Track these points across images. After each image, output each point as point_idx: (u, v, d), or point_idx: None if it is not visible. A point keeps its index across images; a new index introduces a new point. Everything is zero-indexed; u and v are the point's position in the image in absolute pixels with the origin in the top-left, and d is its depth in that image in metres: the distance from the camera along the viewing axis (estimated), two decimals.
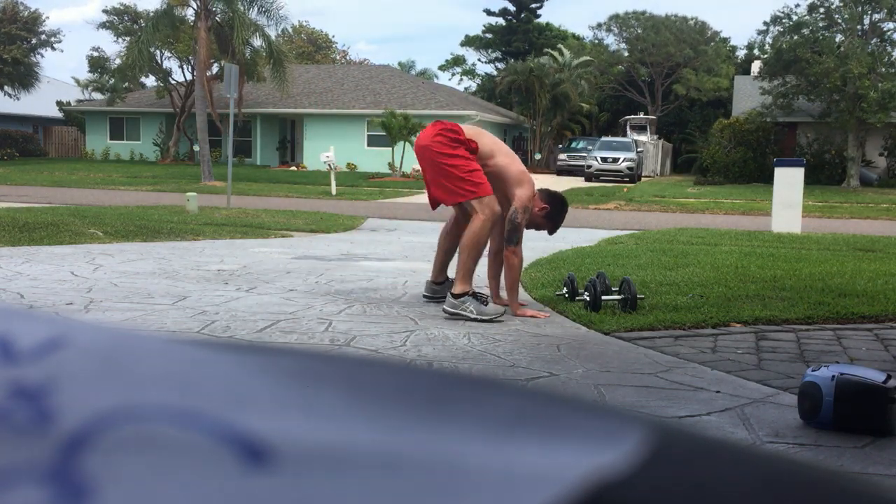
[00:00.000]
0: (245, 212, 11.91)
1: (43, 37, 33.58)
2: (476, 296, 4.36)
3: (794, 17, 25.72)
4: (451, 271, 4.72)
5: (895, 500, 0.33)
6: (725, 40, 44.68)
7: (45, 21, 33.62)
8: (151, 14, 23.12)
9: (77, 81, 39.66)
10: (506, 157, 4.59)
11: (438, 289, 4.78)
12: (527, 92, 34.13)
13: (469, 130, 4.55)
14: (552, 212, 4.72)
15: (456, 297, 4.34)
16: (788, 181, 10.72)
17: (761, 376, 3.25)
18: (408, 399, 0.35)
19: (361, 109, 31.09)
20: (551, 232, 4.87)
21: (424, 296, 4.85)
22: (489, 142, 4.60)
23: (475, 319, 4.25)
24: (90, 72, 36.48)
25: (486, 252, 4.70)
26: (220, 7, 23.61)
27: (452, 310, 4.33)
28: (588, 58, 36.96)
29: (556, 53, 36.26)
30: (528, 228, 4.76)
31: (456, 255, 4.62)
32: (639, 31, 42.28)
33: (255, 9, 23.65)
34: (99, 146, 34.43)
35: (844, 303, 4.70)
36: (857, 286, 5.29)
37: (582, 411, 0.36)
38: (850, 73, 22.94)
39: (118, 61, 32.53)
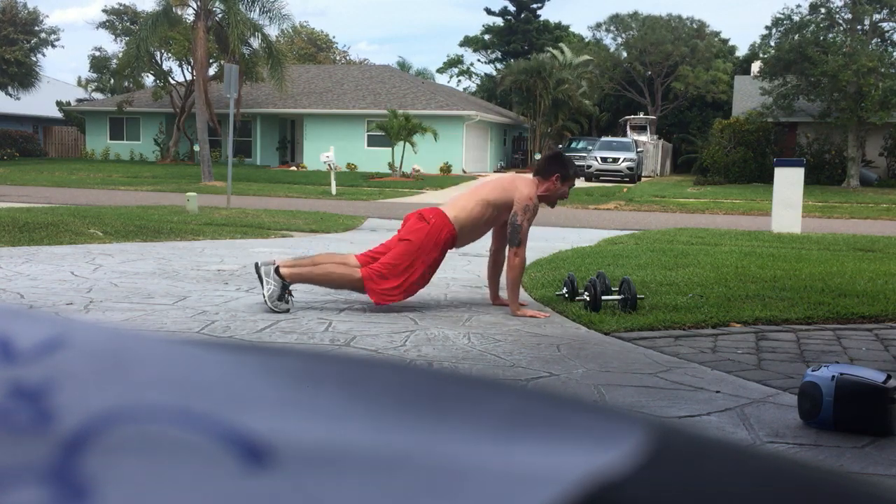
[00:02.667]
0: (245, 212, 11.91)
1: (42, 35, 33.57)
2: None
3: (795, 18, 25.72)
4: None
5: (895, 501, 0.33)
6: (717, 33, 44.68)
7: (43, 20, 33.64)
8: (150, 13, 23.06)
9: (78, 80, 39.68)
10: (493, 190, 4.64)
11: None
12: (528, 92, 34.12)
13: (454, 207, 4.62)
14: (561, 172, 4.70)
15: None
16: (788, 181, 10.72)
17: (761, 376, 3.25)
18: (408, 399, 0.35)
19: (361, 109, 31.09)
20: (572, 184, 4.82)
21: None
22: (472, 199, 4.63)
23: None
24: (91, 71, 36.52)
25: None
26: (219, 7, 23.60)
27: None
28: (588, 57, 36.95)
29: (556, 52, 36.22)
30: (554, 204, 4.81)
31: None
32: (636, 31, 42.31)
33: (257, 9, 23.63)
34: (99, 146, 34.43)
35: (844, 303, 4.70)
36: (857, 286, 5.29)
37: (582, 411, 0.36)
38: (863, 68, 22.91)
39: (116, 62, 32.60)
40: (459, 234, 4.57)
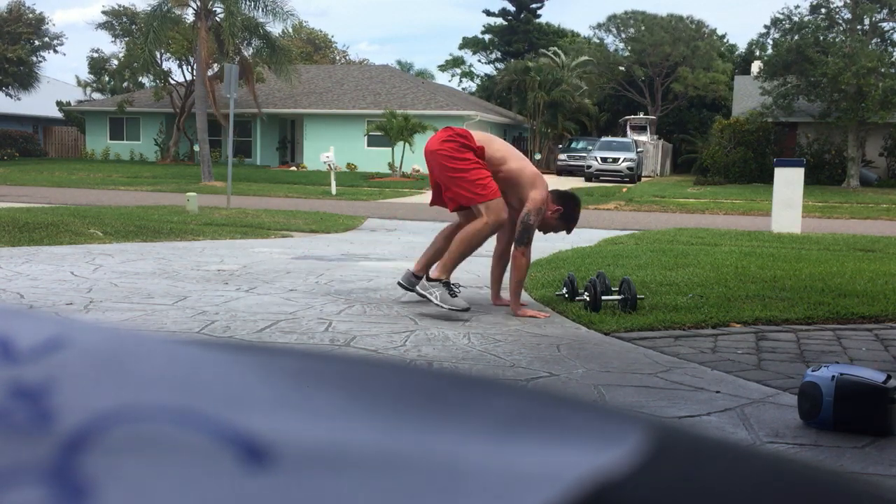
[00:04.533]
0: (245, 212, 11.91)
1: (46, 39, 33.60)
2: (448, 285, 4.39)
3: (795, 19, 25.72)
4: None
5: (895, 501, 0.33)
6: (721, 36, 44.71)
7: (48, 24, 33.67)
8: (152, 13, 23.00)
9: (78, 81, 39.68)
10: (518, 161, 4.61)
11: (416, 282, 4.79)
12: (525, 92, 34.13)
13: (479, 136, 4.57)
14: (566, 212, 4.71)
15: (430, 280, 4.43)
16: (788, 181, 10.72)
17: (761, 376, 3.25)
18: (408, 399, 0.35)
19: (361, 109, 31.09)
20: (568, 231, 4.85)
21: (399, 283, 4.85)
22: (500, 147, 4.62)
23: (437, 305, 4.33)
24: (90, 73, 36.52)
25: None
26: (220, 7, 23.59)
27: (422, 291, 4.45)
28: (587, 57, 36.94)
29: (551, 55, 36.23)
30: (544, 232, 4.78)
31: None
32: (635, 31, 42.32)
33: (260, 10, 23.61)
34: (99, 146, 34.43)
35: (844, 303, 4.70)
36: (857, 286, 5.29)
37: (582, 411, 0.36)
38: (864, 69, 22.91)
39: (115, 62, 32.58)
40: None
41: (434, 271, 4.45)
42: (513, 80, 34.25)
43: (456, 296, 4.38)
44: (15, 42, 31.61)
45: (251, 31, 23.92)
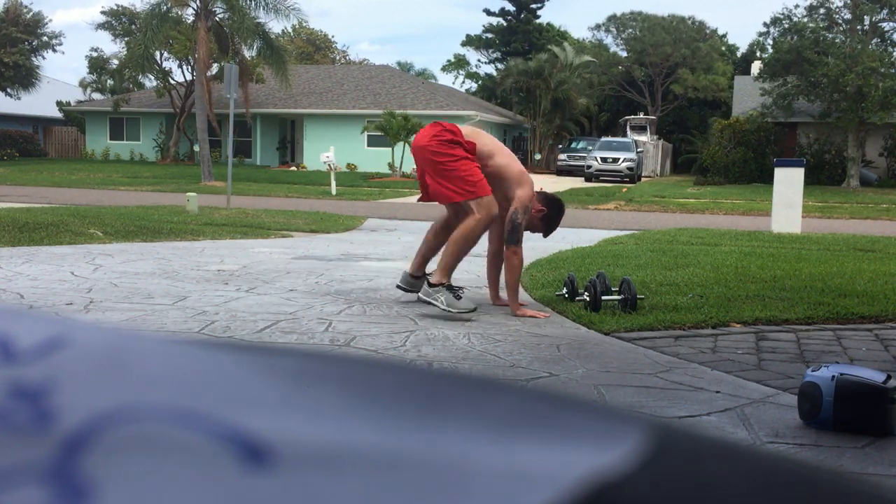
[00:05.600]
0: (245, 212, 11.91)
1: (45, 38, 33.59)
2: (451, 288, 4.38)
3: (794, 19, 25.72)
4: (431, 268, 4.75)
5: (895, 501, 0.33)
6: (722, 37, 44.70)
7: (47, 23, 33.65)
8: (151, 12, 22.99)
9: (80, 82, 39.70)
10: (505, 157, 4.60)
11: (414, 282, 4.78)
12: (528, 92, 34.11)
13: (467, 131, 4.55)
14: (548, 214, 4.73)
15: (431, 286, 4.40)
16: (788, 181, 10.72)
17: (761, 376, 3.25)
18: (408, 399, 0.35)
19: (361, 109, 31.10)
20: (546, 234, 4.87)
21: (398, 286, 4.85)
22: (488, 142, 4.61)
23: (444, 311, 4.31)
24: (89, 73, 36.51)
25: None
26: (220, 7, 23.58)
27: (426, 297, 4.42)
28: (590, 58, 36.93)
29: (558, 49, 36.15)
30: (527, 228, 4.76)
31: (442, 248, 4.65)
32: (636, 32, 42.32)
33: (262, 9, 23.60)
34: (99, 146, 34.43)
35: (844, 303, 4.70)
36: (857, 286, 5.29)
37: (582, 411, 0.36)
38: (867, 69, 22.90)
39: (115, 62, 32.55)
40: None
41: (434, 277, 4.42)
42: (516, 80, 34.22)
43: (461, 298, 4.38)
44: (13, 45, 31.59)
45: (251, 30, 23.90)
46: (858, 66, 23.03)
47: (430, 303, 4.38)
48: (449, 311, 4.29)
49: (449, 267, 4.45)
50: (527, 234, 4.71)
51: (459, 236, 4.43)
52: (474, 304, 4.40)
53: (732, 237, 9.67)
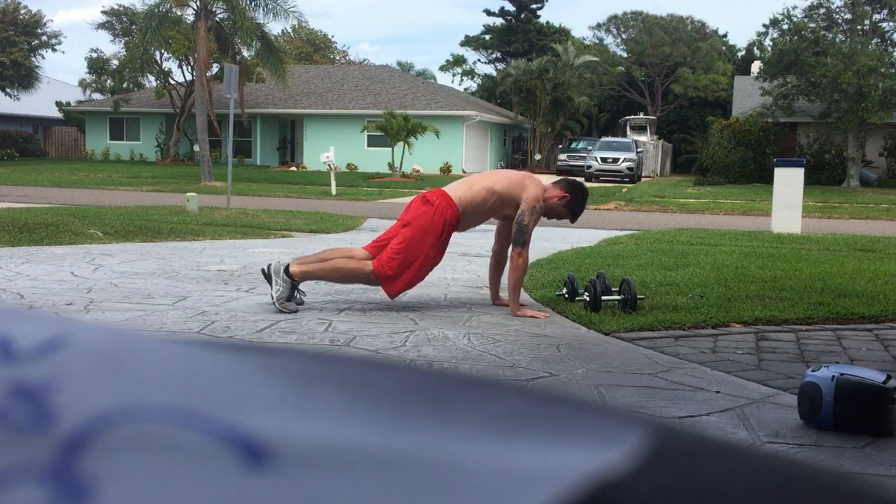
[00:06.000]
0: (245, 212, 11.91)
1: (44, 38, 33.57)
2: (294, 289, 4.40)
3: (794, 19, 25.72)
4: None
5: (895, 501, 0.33)
6: (723, 37, 44.71)
7: (46, 23, 33.63)
8: (149, 12, 22.96)
9: (80, 82, 39.69)
10: (502, 182, 4.64)
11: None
12: (528, 92, 34.11)
13: (459, 189, 4.61)
14: (572, 200, 4.72)
15: (287, 273, 4.37)
16: (788, 181, 10.72)
17: (761, 376, 3.25)
18: (408, 399, 0.35)
19: (361, 110, 31.09)
20: (573, 220, 4.86)
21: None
22: (482, 182, 4.65)
23: (273, 299, 4.35)
24: (89, 73, 36.50)
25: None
26: (220, 7, 23.57)
27: (273, 275, 4.37)
28: (591, 58, 36.92)
29: (560, 49, 36.10)
30: (549, 218, 4.81)
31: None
32: (636, 32, 42.34)
33: (261, 9, 23.58)
34: (99, 146, 34.43)
35: (844, 303, 4.70)
36: (857, 286, 5.29)
37: (582, 411, 0.36)
38: (863, 69, 22.90)
39: (115, 62, 32.53)
40: (462, 217, 4.54)
41: (294, 268, 4.38)
42: (516, 79, 34.20)
43: (292, 301, 4.39)
44: (12, 45, 31.56)
45: (251, 31, 23.89)
46: (855, 66, 23.02)
47: (269, 284, 4.39)
48: (275, 303, 4.33)
49: (311, 275, 4.43)
50: (538, 235, 4.72)
51: (340, 266, 4.43)
52: (297, 308, 4.41)
53: (732, 237, 9.67)
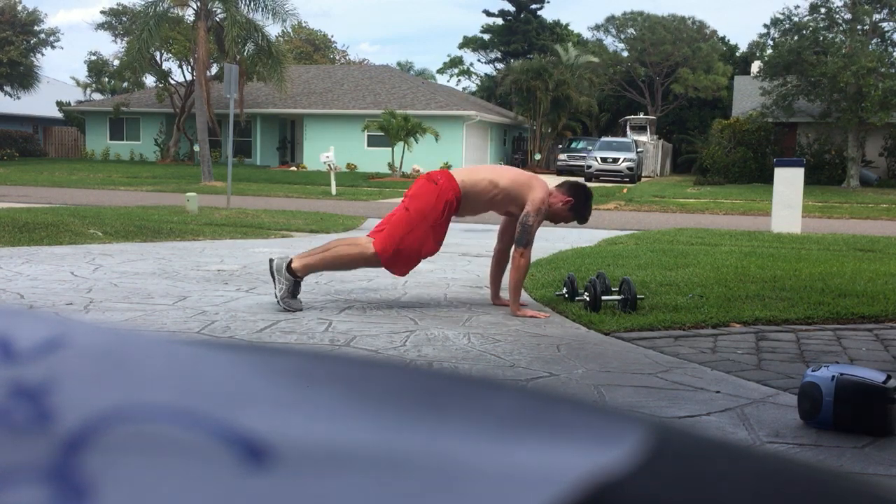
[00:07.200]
0: (245, 212, 11.91)
1: (42, 36, 33.54)
2: (297, 285, 4.41)
3: (795, 19, 25.72)
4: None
5: (895, 501, 0.33)
6: (723, 38, 44.73)
7: (43, 21, 33.60)
8: (146, 11, 22.93)
9: (77, 82, 39.68)
10: (508, 177, 4.64)
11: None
12: (528, 92, 34.10)
13: (463, 174, 4.62)
14: (577, 203, 4.72)
15: (289, 270, 4.39)
16: (788, 181, 10.72)
17: (761, 376, 3.25)
18: (408, 399, 0.35)
19: (361, 110, 31.09)
20: (581, 222, 4.85)
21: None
22: (486, 173, 4.65)
23: (276, 298, 4.38)
24: (88, 74, 36.49)
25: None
26: (219, 7, 23.56)
27: (277, 274, 4.40)
28: (592, 58, 36.91)
29: (560, 48, 36.09)
30: (555, 223, 4.83)
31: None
32: (636, 31, 42.33)
33: (260, 9, 23.57)
34: (99, 146, 34.43)
35: (844, 303, 4.70)
36: (857, 286, 5.29)
37: (582, 411, 0.36)
38: (863, 69, 22.89)
39: (116, 62, 32.51)
40: (463, 200, 4.53)
41: (297, 263, 4.41)
42: (516, 79, 34.19)
43: (296, 297, 4.42)
44: (9, 44, 31.53)
45: (250, 33, 23.88)
46: (854, 66, 23.01)
47: (274, 282, 4.41)
48: (279, 301, 4.35)
49: (313, 267, 4.46)
50: (539, 234, 4.72)
51: (342, 253, 4.45)
52: (302, 306, 4.43)
53: (732, 237, 9.67)
